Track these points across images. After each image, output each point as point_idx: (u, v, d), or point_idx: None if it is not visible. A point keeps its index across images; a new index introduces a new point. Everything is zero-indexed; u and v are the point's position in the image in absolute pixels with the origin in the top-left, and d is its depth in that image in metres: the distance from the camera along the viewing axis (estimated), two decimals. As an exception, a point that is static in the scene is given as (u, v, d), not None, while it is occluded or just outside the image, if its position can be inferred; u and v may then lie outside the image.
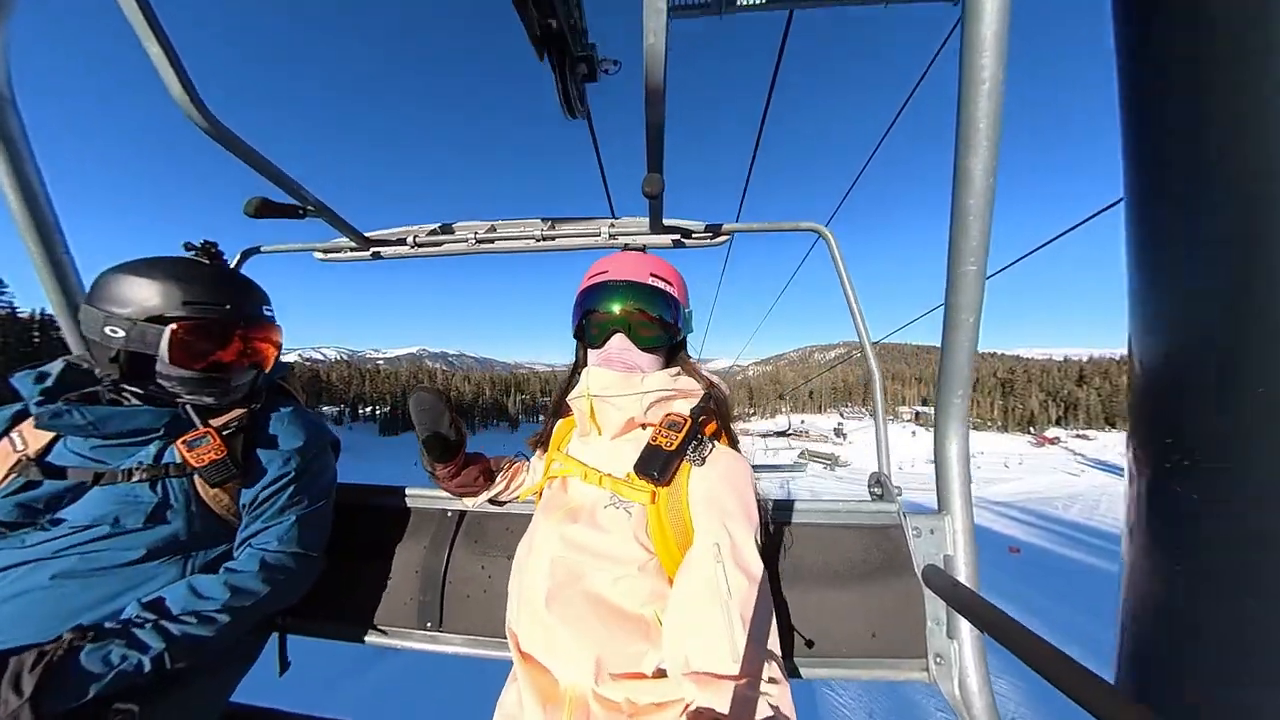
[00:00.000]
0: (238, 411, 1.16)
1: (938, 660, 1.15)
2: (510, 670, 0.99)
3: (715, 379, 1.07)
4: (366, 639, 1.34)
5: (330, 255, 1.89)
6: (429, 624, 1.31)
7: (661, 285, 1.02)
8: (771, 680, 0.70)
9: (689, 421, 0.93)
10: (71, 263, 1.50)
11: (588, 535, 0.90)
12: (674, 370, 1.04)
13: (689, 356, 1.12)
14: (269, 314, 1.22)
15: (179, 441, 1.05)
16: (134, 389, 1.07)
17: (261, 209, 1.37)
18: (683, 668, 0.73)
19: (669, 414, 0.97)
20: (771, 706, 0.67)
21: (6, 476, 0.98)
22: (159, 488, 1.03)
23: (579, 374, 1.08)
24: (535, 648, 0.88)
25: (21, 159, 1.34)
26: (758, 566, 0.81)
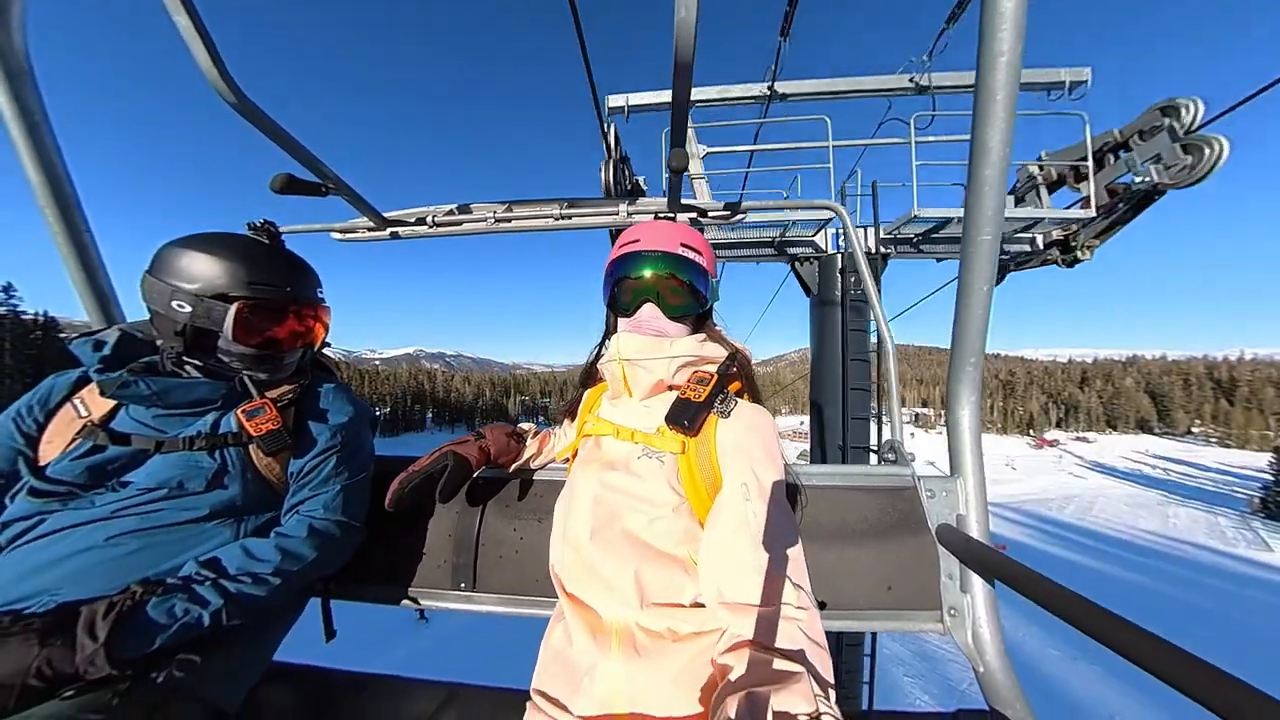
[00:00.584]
0: (288, 386, 1.21)
1: (951, 613, 1.21)
2: (552, 612, 1.03)
3: (740, 345, 1.12)
4: (403, 602, 1.39)
5: (348, 235, 1.92)
6: (463, 585, 1.35)
7: (691, 255, 1.06)
8: (801, 608, 0.74)
9: (715, 377, 0.99)
10: (92, 240, 1.52)
11: (625, 480, 0.95)
12: (701, 337, 1.08)
13: (715, 325, 1.16)
14: (321, 295, 1.28)
15: (239, 410, 1.10)
16: (194, 361, 1.12)
17: (287, 185, 1.41)
18: (717, 599, 0.78)
19: (696, 371, 1.02)
20: (803, 632, 0.72)
21: (73, 441, 1.03)
22: (217, 455, 1.08)
23: (608, 341, 1.12)
24: (580, 585, 0.92)
25: (41, 134, 1.36)
26: (785, 505, 0.87)
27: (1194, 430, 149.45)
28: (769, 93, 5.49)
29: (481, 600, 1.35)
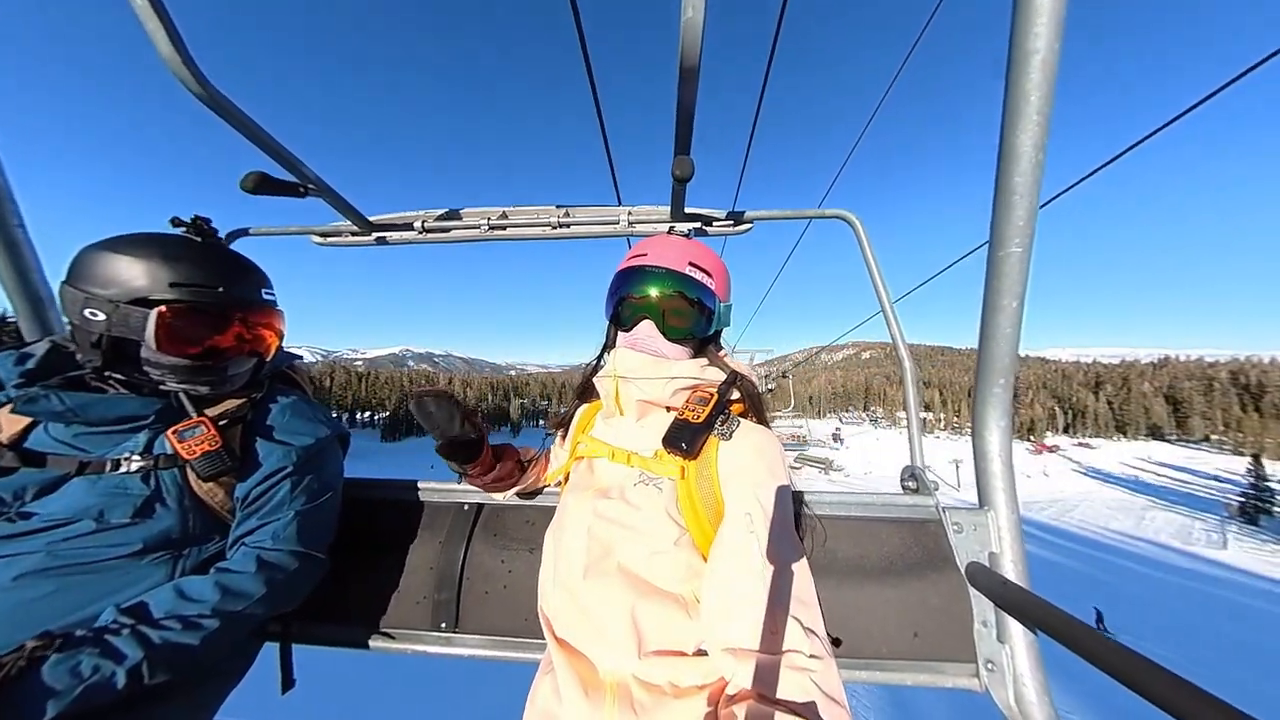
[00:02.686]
0: (236, 401, 1.11)
1: (989, 667, 1.12)
2: (539, 664, 0.99)
3: (745, 370, 1.08)
4: (372, 644, 1.29)
5: (330, 240, 1.87)
6: (443, 625, 1.28)
7: (699, 276, 1.02)
8: (814, 656, 0.70)
9: (716, 397, 0.95)
10: (26, 237, 1.43)
11: (621, 510, 0.91)
12: (703, 362, 1.05)
13: (719, 349, 1.12)
14: (269, 297, 1.17)
15: (170, 431, 1.00)
16: (118, 376, 1.03)
17: (260, 184, 1.31)
18: (721, 644, 0.74)
19: (697, 390, 0.98)
20: (815, 684, 0.67)
21: None
22: (150, 480, 0.98)
23: (607, 354, 1.10)
24: (571, 630, 0.88)
25: None
26: (794, 538, 0.82)
27: (1212, 437, 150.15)
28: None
29: (464, 643, 1.27)
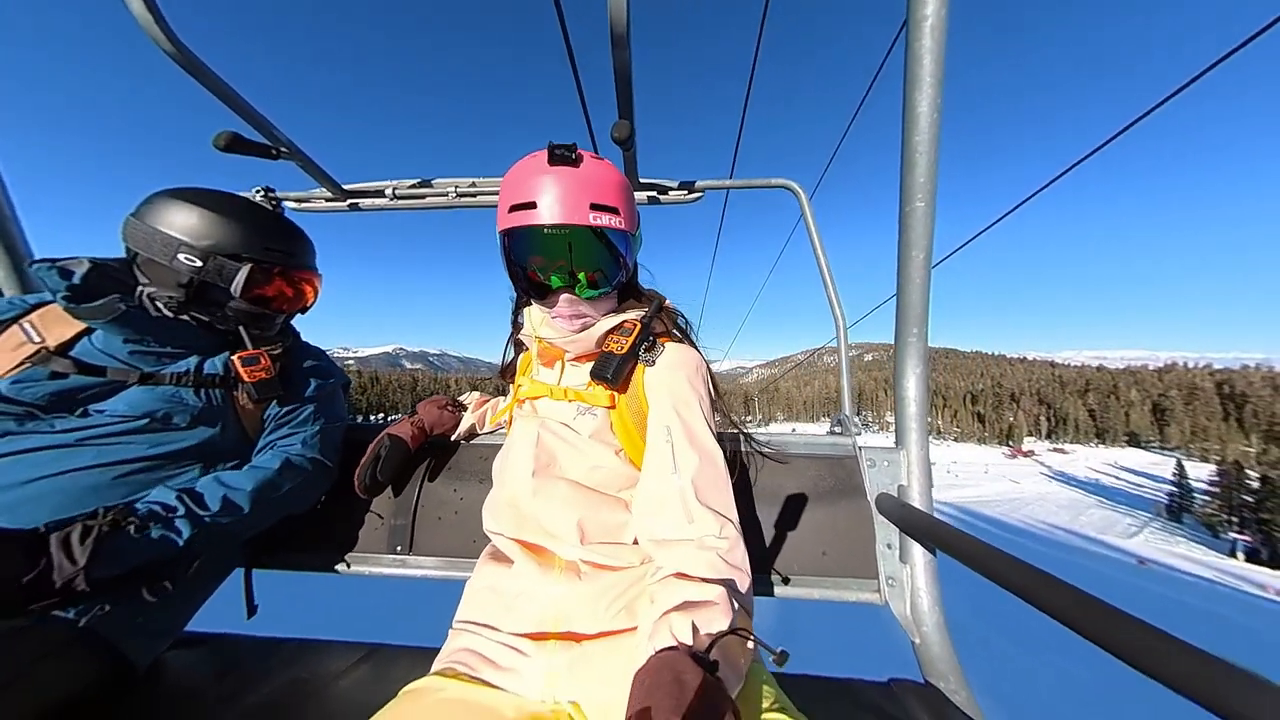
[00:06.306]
0: (274, 344, 1.29)
1: (890, 583, 1.22)
2: (482, 554, 1.03)
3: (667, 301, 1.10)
4: (336, 567, 1.38)
5: (303, 206, 1.90)
6: (399, 548, 1.36)
7: (606, 219, 0.89)
8: (723, 537, 0.79)
9: (639, 326, 0.98)
10: (4, 193, 1.48)
11: (565, 432, 0.99)
12: (628, 306, 1.04)
13: (641, 287, 1.10)
14: (315, 263, 1.38)
15: (235, 356, 1.18)
16: (195, 313, 1.17)
17: (232, 143, 1.36)
18: (647, 537, 0.84)
19: (622, 322, 1.00)
20: (722, 558, 0.76)
21: (20, 364, 1.02)
22: (202, 394, 1.14)
23: (522, 313, 1.09)
24: (521, 533, 0.94)
25: None
26: (709, 443, 0.89)
27: (1191, 445, 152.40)
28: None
29: (418, 564, 1.35)
